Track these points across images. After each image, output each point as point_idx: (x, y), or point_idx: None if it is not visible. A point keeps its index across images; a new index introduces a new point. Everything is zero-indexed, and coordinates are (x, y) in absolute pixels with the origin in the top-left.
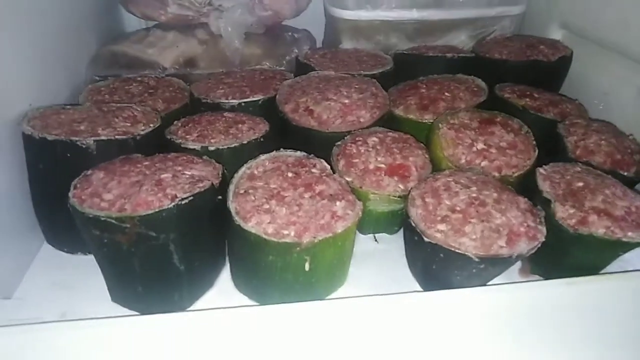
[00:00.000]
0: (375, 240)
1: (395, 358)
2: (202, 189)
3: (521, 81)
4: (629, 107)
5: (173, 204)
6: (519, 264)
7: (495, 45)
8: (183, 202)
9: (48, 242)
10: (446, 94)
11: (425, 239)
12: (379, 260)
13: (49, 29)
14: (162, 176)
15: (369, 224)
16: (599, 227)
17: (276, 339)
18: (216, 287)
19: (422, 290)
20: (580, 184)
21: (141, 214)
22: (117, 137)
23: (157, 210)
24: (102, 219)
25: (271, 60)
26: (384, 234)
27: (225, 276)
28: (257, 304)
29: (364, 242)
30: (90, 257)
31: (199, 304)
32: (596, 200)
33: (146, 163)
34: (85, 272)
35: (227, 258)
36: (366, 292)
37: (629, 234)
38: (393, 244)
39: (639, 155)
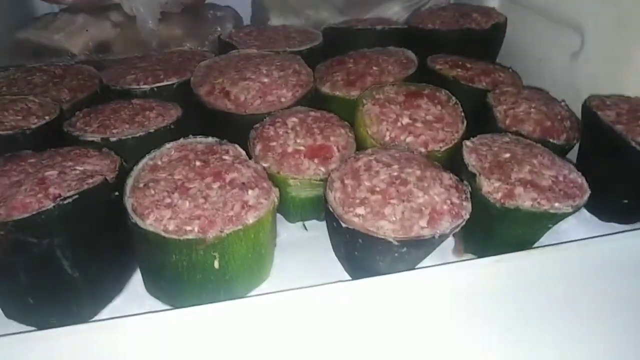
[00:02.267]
0: (305, 228)
1: (322, 351)
2: (92, 186)
3: (455, 51)
4: (563, 72)
5: (53, 204)
6: (452, 243)
7: (428, 16)
8: (66, 202)
9: None
10: (374, 68)
11: (343, 225)
12: (306, 249)
13: None
14: (46, 174)
15: (295, 211)
16: (525, 200)
17: (188, 345)
18: (126, 292)
19: (349, 277)
20: (507, 155)
21: (15, 218)
22: (2, 132)
23: (34, 213)
24: None
25: (193, 41)
26: (314, 220)
27: (137, 278)
28: (170, 307)
29: (292, 230)
30: None
31: (105, 312)
32: (522, 171)
33: (32, 160)
34: None
35: None
36: (290, 284)
37: (556, 204)
38: (323, 231)
39: (570, 122)
